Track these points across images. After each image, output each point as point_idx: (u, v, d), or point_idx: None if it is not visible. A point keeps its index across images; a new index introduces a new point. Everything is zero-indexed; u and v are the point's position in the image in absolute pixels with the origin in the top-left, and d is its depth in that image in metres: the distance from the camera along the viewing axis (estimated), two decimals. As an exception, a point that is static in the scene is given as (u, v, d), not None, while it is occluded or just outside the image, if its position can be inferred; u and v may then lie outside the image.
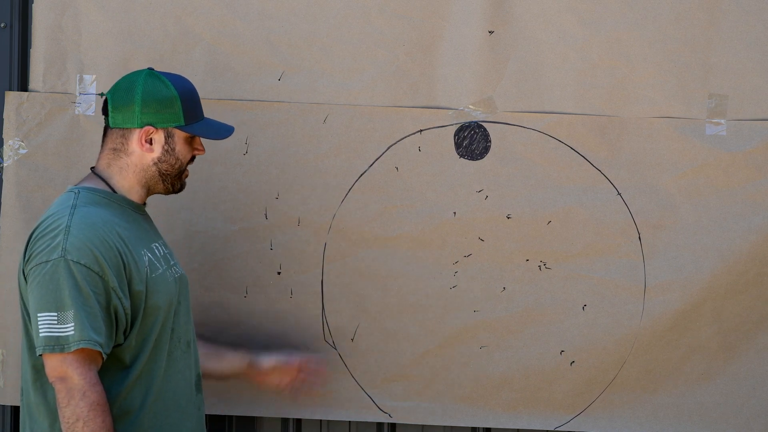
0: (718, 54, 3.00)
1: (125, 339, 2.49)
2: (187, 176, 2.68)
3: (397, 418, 3.10)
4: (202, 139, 2.68)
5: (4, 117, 3.07)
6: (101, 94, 2.65)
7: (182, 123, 2.59)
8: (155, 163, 2.60)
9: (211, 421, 3.14)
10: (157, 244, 2.63)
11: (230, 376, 2.95)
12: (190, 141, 2.64)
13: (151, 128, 2.58)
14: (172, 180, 2.64)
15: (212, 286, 3.06)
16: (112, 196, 2.58)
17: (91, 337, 2.38)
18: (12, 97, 3.06)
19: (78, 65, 3.06)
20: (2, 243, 3.05)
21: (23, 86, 3.10)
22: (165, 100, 2.57)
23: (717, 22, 2.99)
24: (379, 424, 3.16)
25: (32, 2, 3.07)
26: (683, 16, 3.00)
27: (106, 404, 2.39)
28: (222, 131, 2.69)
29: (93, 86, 3.05)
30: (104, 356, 2.42)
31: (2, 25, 3.10)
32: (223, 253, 3.07)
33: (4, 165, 3.06)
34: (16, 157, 3.05)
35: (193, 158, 2.67)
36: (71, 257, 2.41)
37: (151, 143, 2.59)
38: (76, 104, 3.06)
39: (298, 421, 3.17)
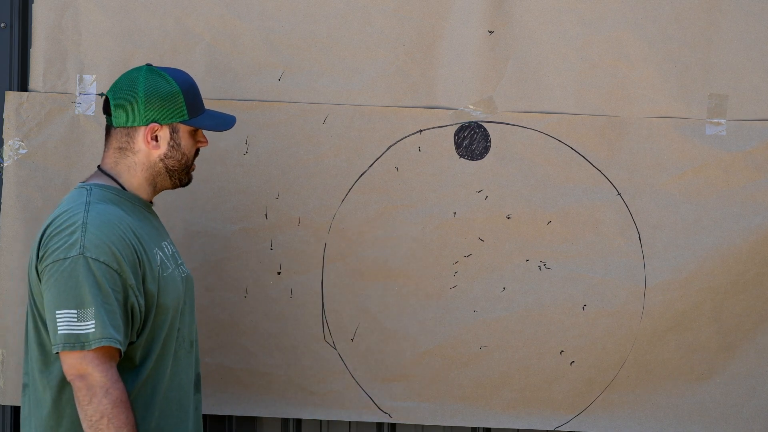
0: (718, 54, 3.00)
1: (138, 338, 2.48)
2: (194, 169, 2.66)
3: (397, 418, 3.10)
4: (204, 131, 2.67)
5: (4, 117, 3.07)
6: (101, 94, 2.63)
7: (186, 117, 2.57)
8: (161, 160, 2.58)
9: (211, 421, 3.14)
10: (166, 243, 2.62)
11: None
12: (194, 134, 2.62)
13: (156, 125, 2.55)
14: (180, 175, 2.61)
15: (212, 286, 3.06)
16: (123, 194, 2.56)
17: (112, 334, 2.37)
18: (12, 97, 3.06)
19: (78, 65, 3.06)
20: (2, 243, 3.04)
21: (23, 86, 3.09)
22: (168, 96, 2.55)
23: (717, 22, 2.99)
24: (379, 424, 3.15)
25: (32, 2, 3.07)
26: (683, 16, 3.00)
27: (128, 401, 2.38)
28: (226, 123, 2.67)
29: (93, 86, 3.05)
30: (122, 354, 2.42)
31: (2, 25, 3.10)
32: (223, 253, 3.07)
33: (4, 165, 3.06)
34: (16, 157, 3.05)
35: (197, 151, 2.65)
36: (90, 254, 2.39)
37: (156, 140, 2.56)
38: (76, 104, 3.06)
39: (298, 421, 3.17)
